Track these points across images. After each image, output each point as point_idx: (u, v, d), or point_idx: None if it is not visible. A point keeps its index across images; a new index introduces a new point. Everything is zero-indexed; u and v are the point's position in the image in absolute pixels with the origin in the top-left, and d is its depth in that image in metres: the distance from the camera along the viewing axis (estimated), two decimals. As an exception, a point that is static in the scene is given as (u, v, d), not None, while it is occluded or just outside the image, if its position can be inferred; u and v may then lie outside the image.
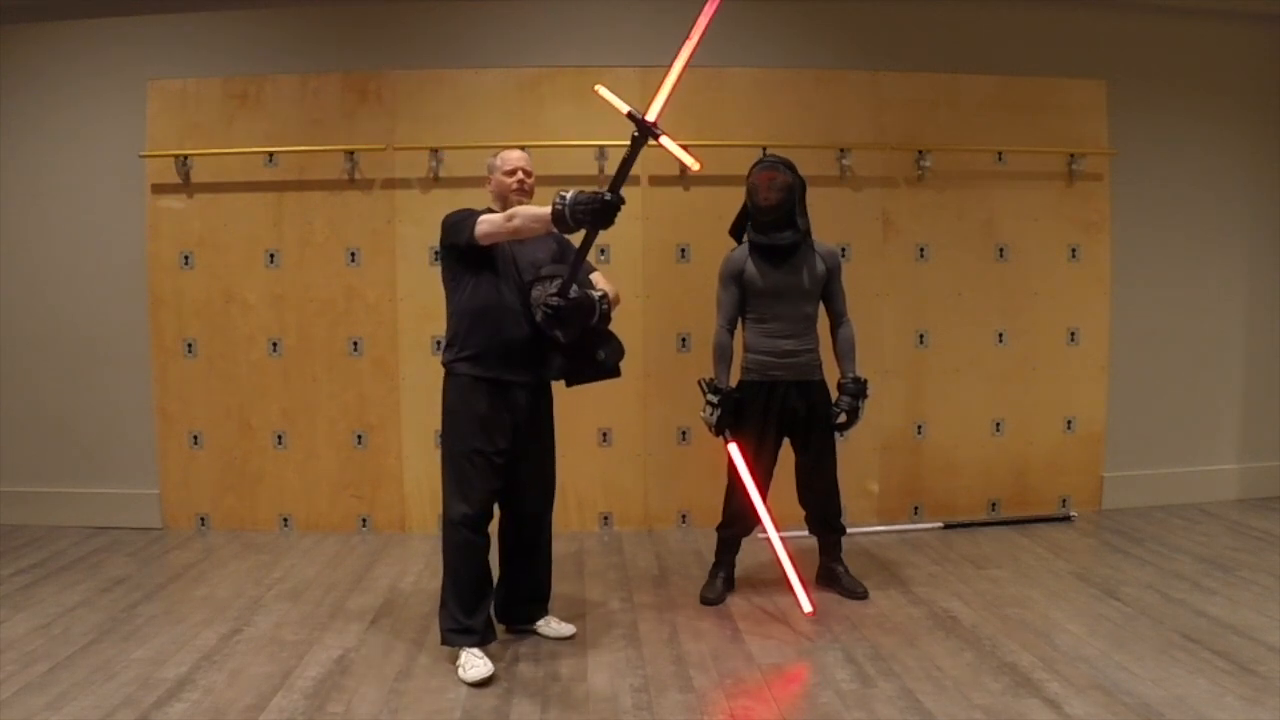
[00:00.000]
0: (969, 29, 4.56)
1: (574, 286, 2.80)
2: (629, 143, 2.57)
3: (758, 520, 3.38)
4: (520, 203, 2.97)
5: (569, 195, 2.56)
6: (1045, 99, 4.59)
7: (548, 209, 2.60)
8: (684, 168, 4.33)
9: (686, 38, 2.52)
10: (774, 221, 3.35)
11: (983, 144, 4.54)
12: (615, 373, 3.01)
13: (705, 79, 4.43)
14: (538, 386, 3.03)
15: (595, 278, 3.03)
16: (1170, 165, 4.71)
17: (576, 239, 2.83)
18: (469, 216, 2.84)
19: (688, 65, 2.56)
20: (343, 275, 4.43)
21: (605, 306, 2.91)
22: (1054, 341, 4.67)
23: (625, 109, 2.61)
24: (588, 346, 2.92)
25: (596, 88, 2.80)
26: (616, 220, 2.59)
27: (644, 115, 2.56)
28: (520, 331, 2.91)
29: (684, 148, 2.81)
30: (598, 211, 2.53)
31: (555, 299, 2.77)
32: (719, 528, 3.59)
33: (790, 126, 4.42)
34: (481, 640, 2.91)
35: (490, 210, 2.98)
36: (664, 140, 2.63)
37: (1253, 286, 4.88)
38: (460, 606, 2.89)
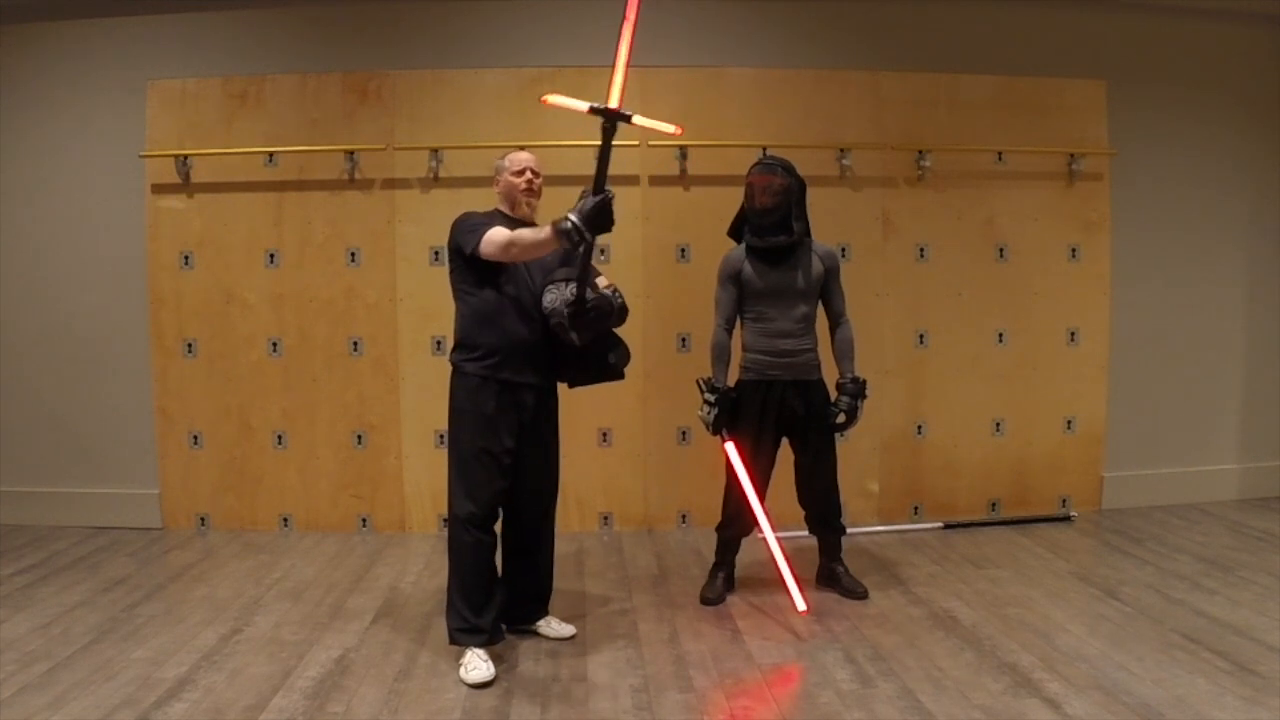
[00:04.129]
0: (969, 29, 4.56)
1: (589, 290, 2.81)
2: (600, 137, 2.61)
3: (755, 520, 3.38)
4: (528, 203, 2.99)
5: (573, 215, 2.56)
6: (1045, 99, 4.58)
7: (546, 230, 2.62)
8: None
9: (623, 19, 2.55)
10: (769, 225, 3.35)
11: (983, 144, 4.54)
12: (621, 375, 3.03)
13: (705, 79, 4.43)
14: (545, 387, 3.04)
15: (600, 280, 3.04)
16: (1170, 165, 4.71)
17: None
18: (480, 227, 2.82)
19: (632, 46, 2.57)
20: (343, 275, 4.43)
21: (619, 300, 2.91)
22: (1054, 341, 4.67)
23: (585, 106, 2.62)
24: (600, 350, 2.93)
25: (545, 98, 2.79)
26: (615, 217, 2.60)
27: (605, 105, 2.58)
28: (530, 332, 2.91)
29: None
30: (602, 212, 2.55)
31: (575, 307, 2.77)
32: (718, 528, 3.59)
33: (790, 126, 4.42)
34: (489, 639, 2.92)
35: (499, 212, 3.00)
36: (636, 119, 2.65)
37: (1253, 286, 4.88)
38: (468, 605, 2.90)
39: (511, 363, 2.91)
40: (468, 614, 2.89)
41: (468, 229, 2.86)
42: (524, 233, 2.74)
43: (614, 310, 2.88)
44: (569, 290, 2.82)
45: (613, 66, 2.58)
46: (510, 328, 2.89)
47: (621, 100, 2.60)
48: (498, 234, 2.77)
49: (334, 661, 2.97)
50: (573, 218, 2.56)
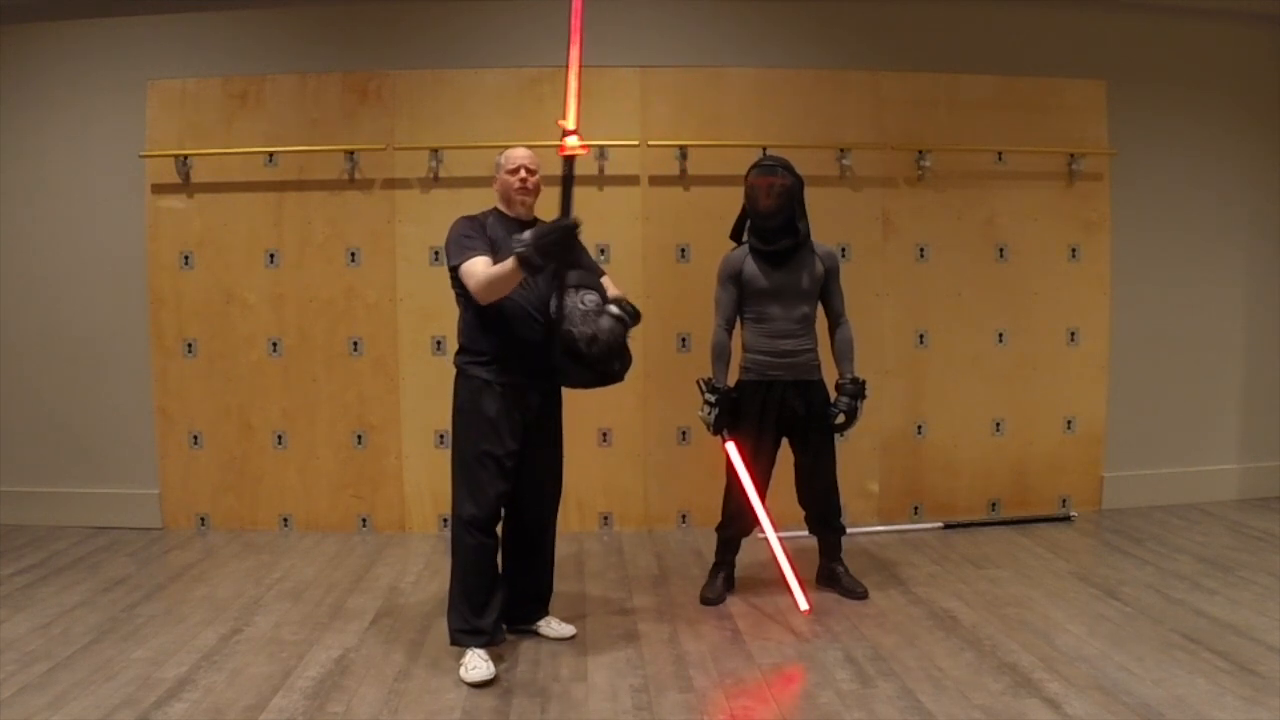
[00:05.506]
0: (969, 29, 4.56)
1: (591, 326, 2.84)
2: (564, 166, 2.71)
3: (756, 520, 3.38)
4: (524, 202, 2.97)
5: (527, 236, 2.62)
6: (1045, 99, 4.58)
7: (510, 261, 2.66)
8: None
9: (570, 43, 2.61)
10: (774, 228, 3.35)
11: (983, 144, 4.54)
12: (621, 379, 3.02)
13: (705, 79, 4.43)
14: (549, 389, 3.03)
15: (605, 281, 3.04)
16: (1170, 165, 4.71)
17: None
18: (468, 250, 2.83)
19: (581, 69, 2.63)
20: (343, 275, 4.43)
21: (630, 308, 2.89)
22: (1054, 341, 4.67)
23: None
24: (608, 359, 2.93)
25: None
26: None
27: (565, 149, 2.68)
28: (534, 335, 2.91)
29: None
30: (560, 241, 2.62)
31: (571, 349, 2.80)
32: (718, 528, 3.59)
33: (790, 126, 4.42)
34: (490, 641, 2.91)
35: (497, 211, 3.00)
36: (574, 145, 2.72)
37: (1253, 286, 4.87)
38: (470, 607, 2.89)
39: (515, 366, 2.91)
40: (469, 615, 2.89)
41: (458, 246, 2.87)
42: (493, 271, 2.74)
43: (626, 328, 2.88)
44: (582, 299, 2.84)
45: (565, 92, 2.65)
46: (513, 331, 2.89)
47: (578, 118, 2.66)
48: (476, 268, 2.78)
49: (334, 661, 2.97)
50: (524, 238, 2.62)
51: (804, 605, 3.27)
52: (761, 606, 3.43)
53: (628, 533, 4.50)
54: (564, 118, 2.67)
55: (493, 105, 4.38)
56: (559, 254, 2.65)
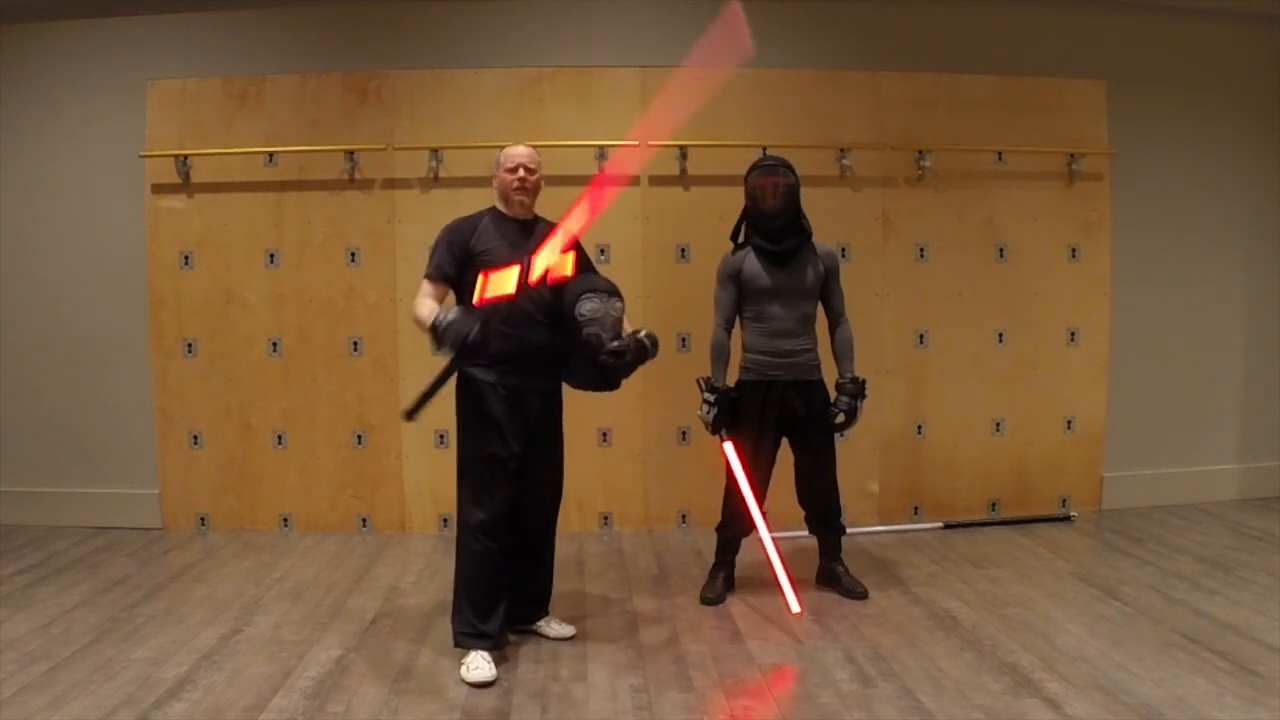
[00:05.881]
0: (969, 29, 4.56)
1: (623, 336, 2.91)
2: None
3: (753, 522, 3.37)
4: (520, 201, 2.98)
5: (451, 314, 2.71)
6: (1045, 99, 4.58)
7: (426, 321, 2.81)
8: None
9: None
10: (780, 227, 3.35)
11: (983, 144, 4.54)
12: (618, 387, 3.05)
13: (705, 79, 4.43)
14: (551, 391, 3.04)
15: (625, 326, 3.04)
16: (1170, 165, 4.71)
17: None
18: (429, 266, 2.98)
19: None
20: (343, 275, 4.43)
21: (651, 331, 2.98)
22: (1054, 341, 4.67)
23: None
24: (622, 372, 2.97)
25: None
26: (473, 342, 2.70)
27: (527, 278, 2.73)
28: (535, 338, 2.91)
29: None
30: (457, 342, 2.67)
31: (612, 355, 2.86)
32: (719, 528, 3.59)
33: (790, 126, 4.42)
34: (496, 644, 2.91)
35: (494, 210, 3.01)
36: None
37: (1252, 286, 4.87)
38: (474, 611, 2.89)
39: (517, 369, 2.91)
40: (474, 619, 2.89)
41: (432, 252, 2.98)
42: (418, 316, 2.89)
43: (648, 356, 2.95)
44: (612, 305, 2.88)
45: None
46: (515, 334, 2.88)
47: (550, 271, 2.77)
48: (419, 297, 2.94)
49: (334, 661, 2.97)
50: (444, 318, 2.69)
51: (795, 608, 3.24)
52: (761, 607, 3.43)
53: (628, 533, 4.50)
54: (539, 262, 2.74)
55: (493, 105, 4.38)
56: (451, 349, 2.71)
